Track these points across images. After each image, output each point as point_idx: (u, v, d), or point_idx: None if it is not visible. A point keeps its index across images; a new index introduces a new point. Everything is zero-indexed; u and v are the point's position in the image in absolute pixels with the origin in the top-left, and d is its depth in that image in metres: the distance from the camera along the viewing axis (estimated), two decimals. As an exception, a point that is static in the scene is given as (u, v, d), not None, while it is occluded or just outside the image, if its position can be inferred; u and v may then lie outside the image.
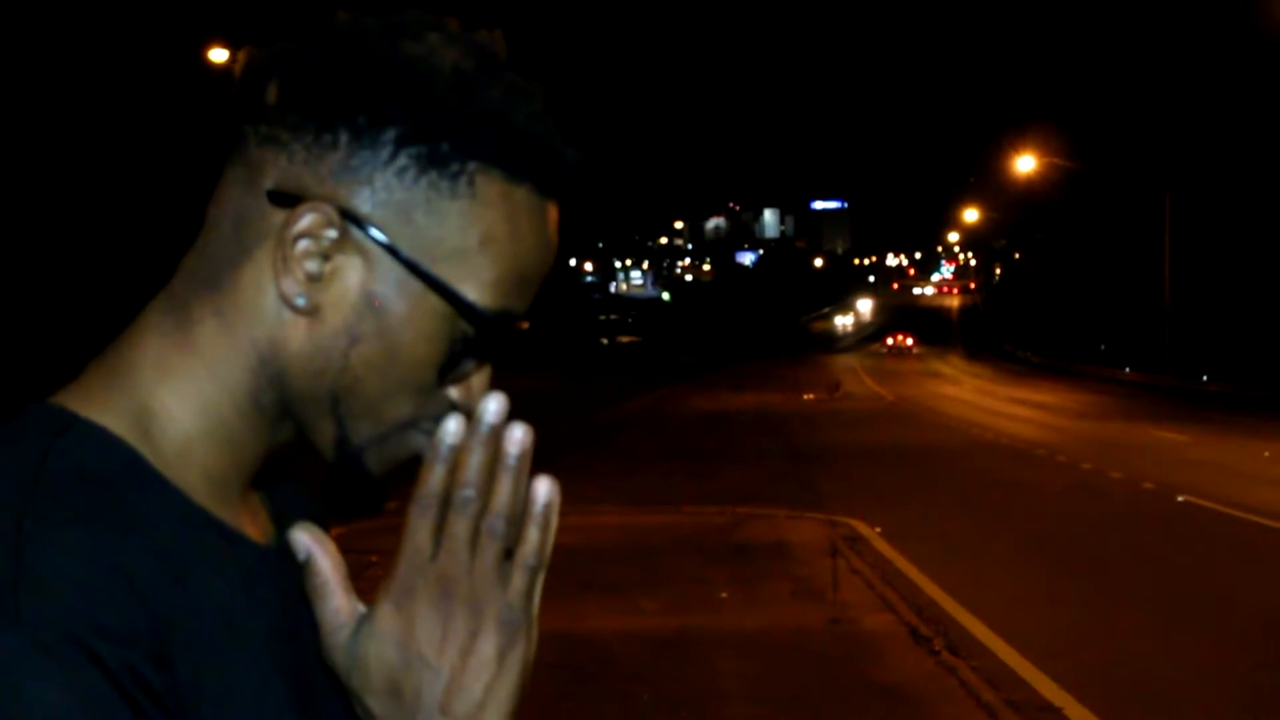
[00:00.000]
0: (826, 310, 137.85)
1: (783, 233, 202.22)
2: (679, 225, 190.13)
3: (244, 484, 1.17)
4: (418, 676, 1.08)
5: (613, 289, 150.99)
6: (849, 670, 8.35)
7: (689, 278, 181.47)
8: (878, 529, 13.32)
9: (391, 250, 1.09)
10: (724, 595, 10.40)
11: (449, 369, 1.13)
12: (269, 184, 1.10)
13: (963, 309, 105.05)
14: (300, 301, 1.09)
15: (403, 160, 1.09)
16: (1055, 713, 7.53)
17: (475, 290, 1.11)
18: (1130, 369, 48.46)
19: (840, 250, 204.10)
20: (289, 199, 1.09)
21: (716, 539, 12.82)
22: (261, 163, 1.10)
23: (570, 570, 11.12)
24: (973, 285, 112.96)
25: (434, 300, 1.10)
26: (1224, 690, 8.02)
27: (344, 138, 1.08)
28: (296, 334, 1.11)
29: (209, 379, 1.12)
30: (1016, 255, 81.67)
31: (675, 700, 7.69)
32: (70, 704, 0.92)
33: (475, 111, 1.10)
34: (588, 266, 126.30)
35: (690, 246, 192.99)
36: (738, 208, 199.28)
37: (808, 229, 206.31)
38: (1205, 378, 41.58)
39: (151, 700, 0.96)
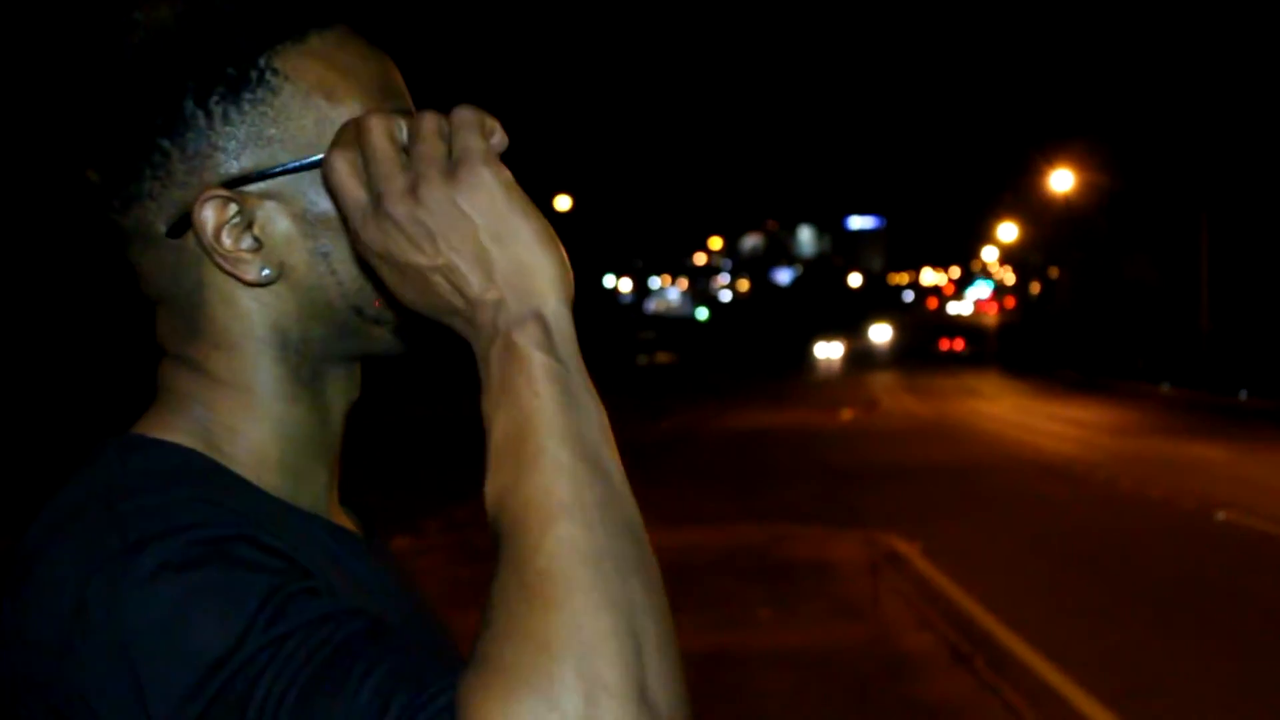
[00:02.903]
0: (859, 327, 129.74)
1: (821, 252, 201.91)
2: (717, 244, 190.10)
3: (331, 473, 1.24)
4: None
5: (650, 308, 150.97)
6: (889, 689, 8.30)
7: (726, 296, 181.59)
8: (918, 546, 13.26)
9: (279, 172, 1.14)
10: (763, 613, 10.36)
11: None
12: (162, 227, 1.14)
13: (1000, 326, 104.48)
14: (266, 273, 1.14)
15: (216, 111, 1.13)
16: (1097, 732, 7.48)
17: None
18: (1169, 385, 48.23)
19: (877, 268, 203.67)
20: (184, 220, 1.14)
21: (755, 557, 12.78)
22: (140, 220, 1.16)
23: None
24: (1010, 303, 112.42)
25: None
26: (1268, 705, 7.95)
27: (166, 144, 1.13)
28: (285, 300, 1.16)
29: (247, 394, 1.17)
30: (1054, 273, 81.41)
31: (713, 718, 7.65)
32: (187, 598, 0.98)
33: (219, 27, 1.14)
34: (624, 286, 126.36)
35: (730, 264, 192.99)
36: (775, 226, 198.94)
37: (844, 247, 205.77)
38: (1244, 394, 41.29)
39: (278, 557, 1.02)
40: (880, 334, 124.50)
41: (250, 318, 1.16)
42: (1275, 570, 12.19)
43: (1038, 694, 8.14)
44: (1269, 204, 44.62)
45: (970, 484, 19.30)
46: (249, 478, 1.15)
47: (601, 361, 75.08)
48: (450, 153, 1.04)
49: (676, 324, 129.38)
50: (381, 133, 1.06)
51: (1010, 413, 37.18)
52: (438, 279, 1.05)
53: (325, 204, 1.14)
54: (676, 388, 54.35)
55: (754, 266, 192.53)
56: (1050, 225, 71.62)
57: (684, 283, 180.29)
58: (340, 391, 1.23)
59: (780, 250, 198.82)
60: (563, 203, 67.11)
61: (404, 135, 1.08)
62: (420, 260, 1.04)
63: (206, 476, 1.12)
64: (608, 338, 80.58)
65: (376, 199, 1.05)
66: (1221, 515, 15.26)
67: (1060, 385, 54.79)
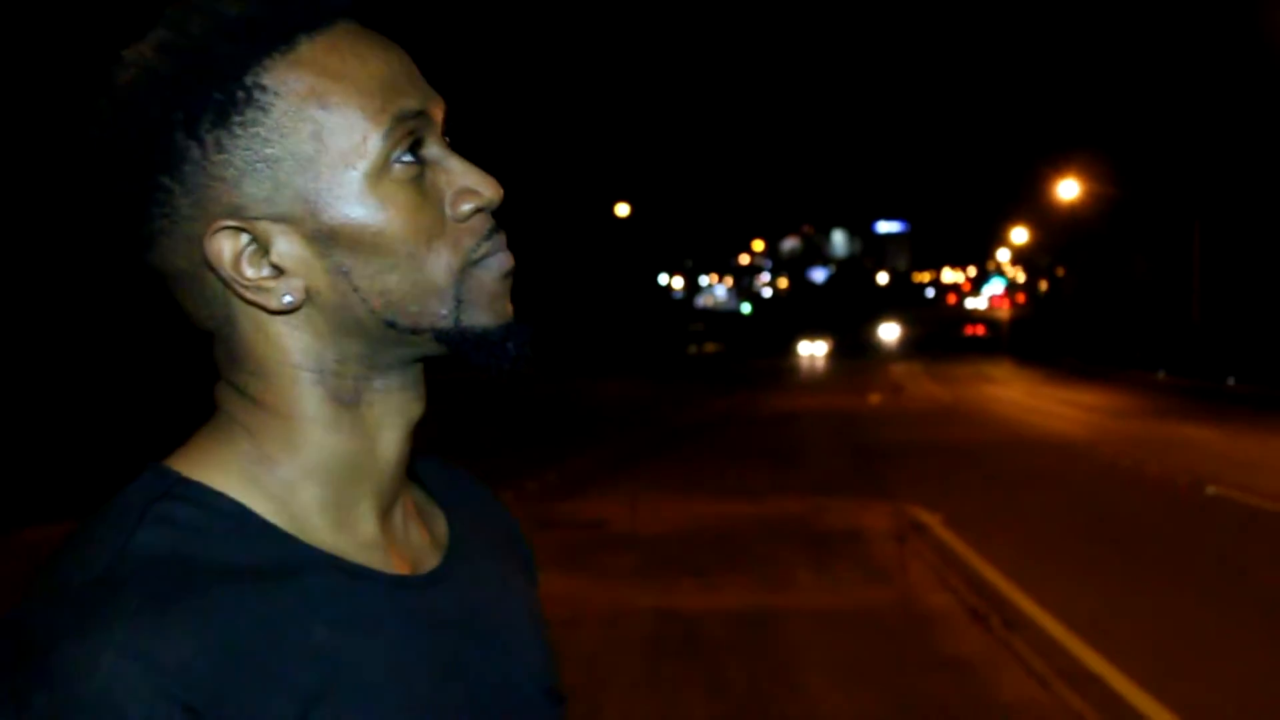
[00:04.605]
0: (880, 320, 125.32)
1: (852, 253, 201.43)
2: (760, 246, 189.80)
3: (381, 502, 1.07)
4: None
5: (700, 303, 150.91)
6: (914, 644, 8.26)
7: (768, 292, 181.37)
8: (939, 517, 13.19)
9: (285, 190, 0.99)
10: (803, 576, 10.33)
11: (433, 197, 1.03)
12: (182, 263, 1.01)
13: (1012, 320, 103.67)
14: (289, 300, 1.00)
15: (208, 139, 0.98)
16: (1099, 681, 7.42)
17: (362, 135, 0.99)
18: (1164, 372, 47.81)
19: (903, 267, 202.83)
20: (201, 256, 1.01)
21: (794, 526, 12.73)
22: (161, 259, 1.02)
23: (662, 554, 11.10)
24: (1021, 299, 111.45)
25: (353, 178, 0.99)
26: (1247, 657, 7.87)
27: (166, 181, 0.99)
28: (315, 321, 1.02)
29: (288, 420, 1.03)
30: (1060, 271, 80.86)
31: (758, 669, 7.64)
32: None
33: (197, 52, 0.98)
34: (677, 283, 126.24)
35: (770, 264, 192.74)
36: (811, 230, 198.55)
37: (873, 249, 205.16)
38: (1231, 380, 40.87)
39: None
40: (888, 332, 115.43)
41: (283, 343, 1.02)
42: (1260, 539, 12.07)
43: (1047, 648, 8.09)
44: (1256, 209, 44.23)
45: (986, 461, 19.19)
46: (280, 523, 1.01)
47: (656, 351, 75.16)
48: None
49: (723, 317, 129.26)
50: None
51: (1022, 397, 36.94)
52: None
53: (332, 219, 1.00)
54: (723, 374, 54.24)
55: (792, 266, 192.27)
56: (1058, 229, 71.20)
57: (730, 280, 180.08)
58: (393, 409, 1.06)
59: (816, 251, 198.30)
60: (622, 209, 67.43)
61: None
62: None
63: (215, 564, 0.95)
64: (662, 329, 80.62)
65: None
66: (1211, 490, 15.11)
67: (1066, 372, 54.40)
